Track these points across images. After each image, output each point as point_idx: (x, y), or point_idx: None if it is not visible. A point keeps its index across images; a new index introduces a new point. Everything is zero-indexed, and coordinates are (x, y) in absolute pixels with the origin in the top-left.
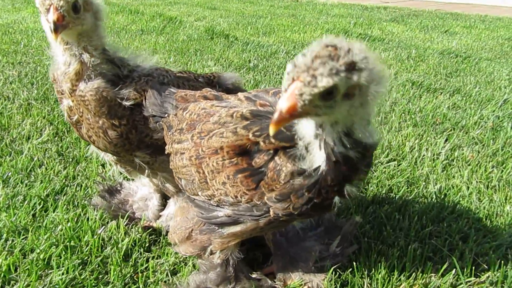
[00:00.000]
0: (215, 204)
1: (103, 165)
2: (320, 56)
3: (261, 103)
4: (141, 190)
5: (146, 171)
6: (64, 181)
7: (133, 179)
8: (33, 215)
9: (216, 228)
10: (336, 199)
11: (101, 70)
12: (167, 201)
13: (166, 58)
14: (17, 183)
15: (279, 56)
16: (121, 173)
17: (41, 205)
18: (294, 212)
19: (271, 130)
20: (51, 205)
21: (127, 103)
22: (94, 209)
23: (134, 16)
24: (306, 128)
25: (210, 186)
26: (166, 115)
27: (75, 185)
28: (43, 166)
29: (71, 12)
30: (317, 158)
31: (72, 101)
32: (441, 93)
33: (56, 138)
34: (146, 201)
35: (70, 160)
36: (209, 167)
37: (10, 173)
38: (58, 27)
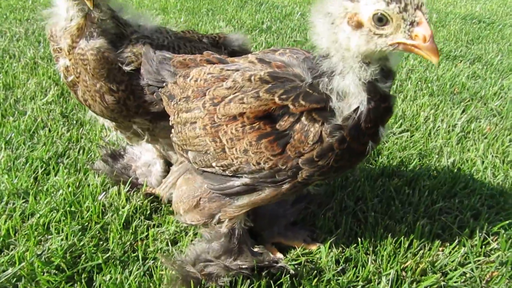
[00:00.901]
0: (231, 174)
1: (108, 129)
2: None
3: (277, 64)
4: (144, 156)
5: (146, 137)
6: (67, 144)
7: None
8: (35, 179)
9: (228, 197)
10: (370, 143)
11: (105, 27)
12: (170, 167)
13: (177, 18)
14: (20, 145)
15: (294, 18)
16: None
17: (43, 168)
18: (329, 169)
19: (435, 60)
20: (53, 168)
21: (127, 68)
22: (96, 174)
23: None
24: (349, 75)
25: (229, 155)
26: (164, 84)
27: (78, 148)
28: (46, 128)
29: None
30: (354, 101)
31: (70, 59)
32: (461, 61)
33: (61, 99)
34: (149, 166)
35: (74, 122)
36: (228, 135)
37: (13, 134)
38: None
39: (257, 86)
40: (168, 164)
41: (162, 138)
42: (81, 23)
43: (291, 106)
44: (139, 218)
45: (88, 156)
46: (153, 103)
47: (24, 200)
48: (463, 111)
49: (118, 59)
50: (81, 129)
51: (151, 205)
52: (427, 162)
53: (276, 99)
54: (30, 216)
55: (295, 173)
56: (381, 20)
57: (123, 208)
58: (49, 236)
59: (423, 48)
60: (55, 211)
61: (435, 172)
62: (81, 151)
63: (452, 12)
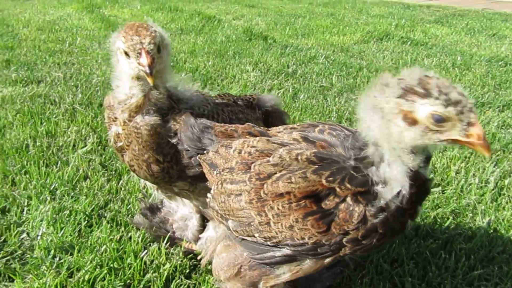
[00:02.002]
0: (272, 245)
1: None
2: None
3: (321, 144)
4: (181, 210)
5: (186, 196)
6: (107, 195)
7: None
8: (79, 231)
9: (269, 266)
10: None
11: (160, 105)
12: (207, 223)
13: (205, 61)
14: (63, 195)
15: (318, 61)
16: None
17: (86, 221)
18: (371, 247)
19: (488, 155)
20: (96, 222)
21: (174, 141)
22: (136, 228)
23: (173, 14)
24: (396, 165)
25: (273, 229)
26: (203, 151)
27: (118, 200)
28: (88, 179)
29: (156, 53)
30: (396, 186)
31: (123, 129)
32: (489, 108)
33: (99, 147)
34: (186, 221)
35: (113, 172)
36: (274, 210)
37: (56, 184)
38: (152, 70)
39: (304, 166)
40: (204, 219)
41: (201, 197)
42: (140, 102)
43: (337, 189)
44: (179, 277)
45: (128, 209)
46: (190, 167)
47: (70, 255)
48: (495, 165)
49: (168, 133)
50: (120, 180)
51: (190, 263)
52: (461, 221)
53: (324, 181)
54: (76, 271)
55: (338, 248)
56: (439, 120)
57: (163, 266)
58: None
59: (477, 145)
60: (99, 267)
61: (470, 232)
62: (121, 203)
63: (476, 54)
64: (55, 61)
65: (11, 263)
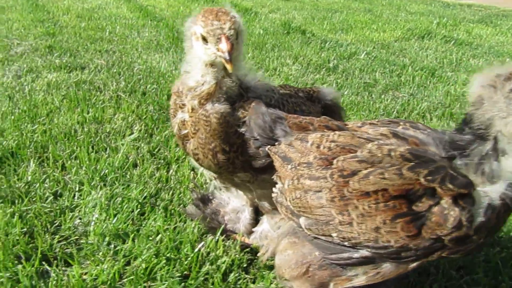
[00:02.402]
0: (349, 245)
1: (193, 170)
2: None
3: (414, 141)
4: (232, 202)
5: (244, 188)
6: (158, 184)
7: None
8: (132, 219)
9: (340, 266)
10: None
11: (231, 93)
12: (260, 217)
13: (244, 53)
14: (113, 182)
15: (359, 57)
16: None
17: (138, 209)
18: (466, 252)
19: None
20: (148, 210)
21: (242, 130)
22: (190, 219)
23: (210, 5)
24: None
25: (356, 229)
26: (274, 142)
27: (169, 189)
28: (137, 167)
29: (235, 39)
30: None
31: (191, 117)
32: None
33: (146, 135)
34: (238, 213)
35: (162, 161)
36: (358, 210)
37: (107, 171)
38: (231, 57)
39: (398, 163)
40: (256, 212)
41: (260, 189)
42: (212, 89)
43: (438, 189)
44: (236, 271)
45: (179, 198)
46: (257, 158)
47: (123, 242)
48: None
49: (236, 122)
50: (169, 169)
51: (247, 256)
52: None
53: (422, 180)
54: (132, 259)
55: (426, 254)
56: None
57: (221, 258)
58: (153, 284)
59: None
60: (155, 256)
61: None
62: (171, 192)
63: None
64: (97, 49)
65: (67, 248)
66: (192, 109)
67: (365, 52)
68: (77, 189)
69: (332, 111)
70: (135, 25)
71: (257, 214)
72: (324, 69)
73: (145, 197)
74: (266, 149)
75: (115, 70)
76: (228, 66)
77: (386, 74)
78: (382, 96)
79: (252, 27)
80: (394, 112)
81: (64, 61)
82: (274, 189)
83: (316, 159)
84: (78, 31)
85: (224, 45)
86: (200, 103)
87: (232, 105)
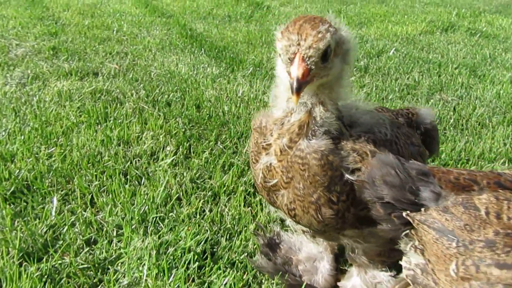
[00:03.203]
0: None
1: (250, 205)
2: None
3: None
4: (305, 247)
5: (338, 240)
6: (211, 225)
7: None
8: (187, 275)
9: None
10: None
11: (328, 127)
12: (348, 269)
13: (266, 52)
14: (157, 223)
15: (389, 54)
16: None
17: (197, 262)
18: None
19: None
20: (209, 262)
21: (351, 177)
22: (260, 272)
23: (217, 0)
24: None
25: None
26: (418, 207)
27: (226, 231)
28: (181, 201)
29: (319, 62)
30: None
31: (280, 160)
32: None
33: (182, 157)
34: (315, 262)
35: (208, 193)
36: None
37: (146, 208)
38: (301, 86)
39: None
40: (337, 260)
41: (364, 243)
42: (304, 120)
43: None
44: None
45: (243, 245)
46: (382, 219)
47: None
48: None
49: (343, 164)
50: (218, 202)
51: None
52: None
53: None
54: None
55: None
56: None
57: None
58: None
59: None
60: None
61: None
62: (228, 236)
63: None
64: (106, 50)
65: None
66: (281, 150)
67: (394, 48)
68: (114, 233)
69: (431, 137)
70: (143, 22)
71: (337, 262)
72: (355, 69)
73: (200, 244)
74: (404, 215)
75: (131, 76)
76: (293, 99)
77: (424, 73)
78: (431, 101)
79: (267, 22)
80: (451, 121)
81: (72, 65)
82: (405, 264)
83: (500, 235)
84: (83, 30)
85: (295, 69)
86: (291, 140)
87: (334, 142)
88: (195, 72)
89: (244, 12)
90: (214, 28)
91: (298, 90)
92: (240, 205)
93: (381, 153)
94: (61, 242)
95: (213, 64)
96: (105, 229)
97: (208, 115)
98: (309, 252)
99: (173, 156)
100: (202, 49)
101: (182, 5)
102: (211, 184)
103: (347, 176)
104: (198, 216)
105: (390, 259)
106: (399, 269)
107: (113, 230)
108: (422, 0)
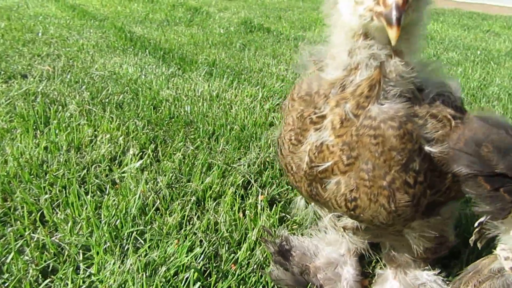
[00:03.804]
0: None
1: (244, 211)
2: None
3: None
4: (323, 252)
5: (394, 240)
6: (205, 235)
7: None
8: None
9: None
10: None
11: (404, 87)
12: (382, 274)
13: (218, 53)
14: (135, 239)
15: None
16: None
17: (199, 282)
18: None
19: None
20: (214, 283)
21: (433, 149)
22: (278, 286)
23: (153, 5)
24: None
25: None
26: None
27: (223, 240)
28: (161, 212)
29: None
30: None
31: (338, 136)
32: None
33: (148, 160)
34: (336, 268)
35: (191, 198)
36: None
37: (117, 221)
38: (401, 15)
39: None
40: (360, 262)
41: (417, 237)
42: (375, 78)
43: None
44: None
45: (248, 256)
46: (479, 195)
47: None
48: None
49: (421, 134)
50: (205, 207)
51: None
52: None
53: None
54: None
55: None
56: None
57: None
58: None
59: None
60: None
61: None
62: (228, 246)
63: (493, 49)
64: (33, 52)
65: None
66: (342, 121)
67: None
68: (80, 257)
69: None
70: (73, 25)
71: (361, 266)
72: None
73: (196, 259)
74: None
75: (69, 78)
76: (393, 33)
77: None
78: None
79: (209, 26)
80: None
81: None
82: (507, 253)
83: None
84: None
85: None
86: (357, 106)
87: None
88: (143, 73)
89: (183, 16)
90: (154, 31)
91: (399, 20)
92: (233, 210)
93: (481, 113)
94: (5, 276)
95: (162, 65)
96: (66, 252)
97: (169, 116)
98: (328, 256)
99: (139, 160)
100: (146, 50)
101: (113, 10)
102: (193, 188)
103: (427, 148)
104: (187, 227)
105: (435, 255)
106: (443, 267)
107: (78, 253)
108: None
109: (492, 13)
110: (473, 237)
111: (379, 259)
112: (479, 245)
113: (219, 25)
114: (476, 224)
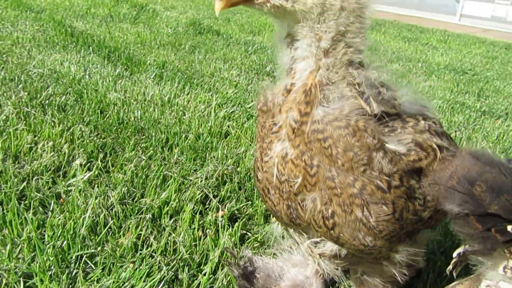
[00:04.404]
0: None
1: (203, 229)
2: None
3: None
4: (288, 273)
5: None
6: (163, 258)
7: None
8: None
9: None
10: None
11: (349, 88)
12: None
13: (167, 55)
14: (84, 262)
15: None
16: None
17: None
18: None
19: None
20: None
21: (399, 148)
22: None
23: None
24: None
25: None
26: None
27: (182, 262)
28: (111, 232)
29: None
30: None
31: (296, 146)
32: (497, 117)
33: (97, 171)
34: None
35: (147, 216)
36: None
37: (64, 244)
38: None
39: None
40: (326, 284)
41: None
42: (309, 83)
43: None
44: None
45: (210, 281)
46: (471, 234)
47: None
48: None
49: (383, 132)
50: (160, 224)
51: None
52: None
53: None
54: None
55: None
56: None
57: None
58: None
59: None
60: None
61: None
62: (188, 269)
63: (433, 62)
64: None
65: None
66: (293, 129)
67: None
68: (21, 286)
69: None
70: (5, 16)
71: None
72: (264, 74)
73: (154, 286)
74: (510, 229)
75: (3, 75)
76: (219, 4)
77: None
78: None
79: (156, 25)
80: None
81: None
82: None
83: None
84: None
85: None
86: (301, 113)
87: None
88: (87, 73)
89: (128, 13)
90: (98, 27)
91: None
92: (192, 228)
93: (473, 150)
94: None
95: (108, 65)
96: (4, 281)
97: (118, 121)
98: (294, 278)
99: (87, 171)
100: (90, 48)
101: (51, 1)
102: (148, 203)
103: (391, 146)
104: (143, 248)
105: (405, 277)
106: (407, 286)
107: (18, 281)
108: None
109: (429, 26)
110: (450, 267)
111: (343, 280)
112: (454, 274)
113: (166, 24)
114: (454, 255)
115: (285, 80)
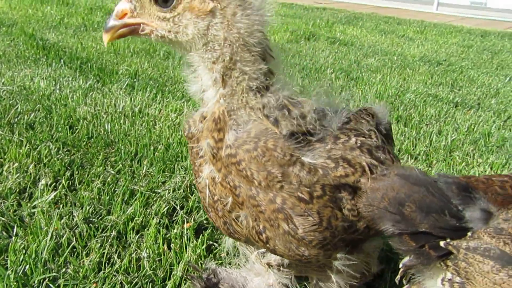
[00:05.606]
0: None
1: (169, 244)
2: None
3: None
4: (252, 283)
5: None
6: (126, 277)
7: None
8: None
9: None
10: None
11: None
12: None
13: (140, 63)
14: (46, 286)
15: None
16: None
17: None
18: None
19: None
20: None
21: (313, 161)
22: None
23: (68, 8)
24: None
25: None
26: (462, 232)
27: (145, 281)
28: (78, 251)
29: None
30: None
31: (219, 170)
32: (469, 108)
33: (64, 191)
34: None
35: (112, 233)
36: None
37: (27, 268)
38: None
39: None
40: None
41: (340, 272)
42: (216, 111)
43: None
44: None
45: None
46: (406, 250)
47: None
48: None
49: (295, 147)
50: (126, 241)
51: None
52: None
53: None
54: None
55: None
56: None
57: None
58: None
59: None
60: None
61: None
62: (151, 285)
63: (408, 54)
64: None
65: None
66: (213, 154)
67: None
68: None
69: (389, 138)
70: None
71: None
72: None
73: None
74: (444, 244)
75: None
76: (105, 37)
77: (304, 78)
78: None
79: None
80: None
81: None
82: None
83: None
84: None
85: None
86: (215, 140)
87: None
88: (58, 87)
89: (101, 21)
90: (70, 38)
91: (108, 28)
92: (157, 243)
93: (401, 170)
94: None
95: (79, 77)
96: None
97: (87, 136)
98: (256, 287)
99: (53, 191)
100: (61, 60)
101: (23, 13)
102: (113, 221)
103: (307, 160)
104: (106, 268)
105: (360, 283)
106: (368, 287)
107: None
108: (279, 13)
109: (407, 17)
110: (398, 276)
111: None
112: (404, 282)
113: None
114: (400, 265)
115: (201, 108)
